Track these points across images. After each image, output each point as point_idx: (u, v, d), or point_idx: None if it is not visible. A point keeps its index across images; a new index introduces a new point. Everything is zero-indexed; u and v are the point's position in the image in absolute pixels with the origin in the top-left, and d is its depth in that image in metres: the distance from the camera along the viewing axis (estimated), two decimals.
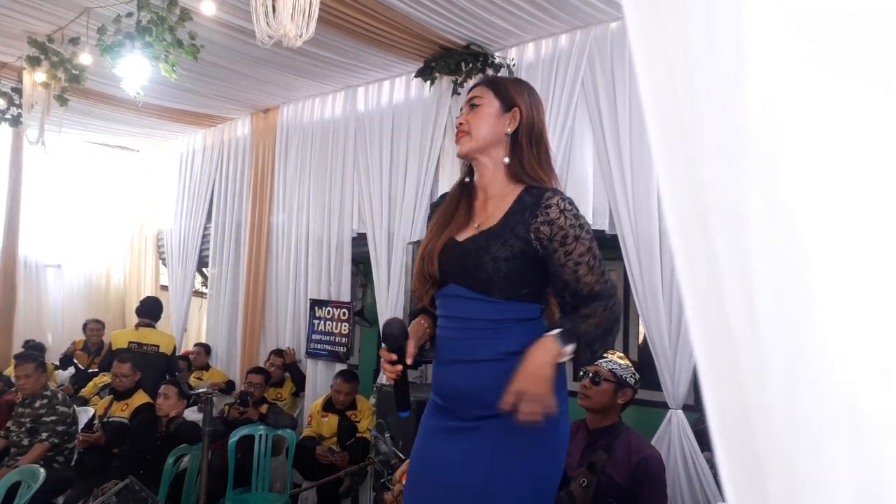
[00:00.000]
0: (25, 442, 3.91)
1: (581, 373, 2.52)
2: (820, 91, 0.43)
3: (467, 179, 1.67)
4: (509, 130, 1.57)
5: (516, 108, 1.57)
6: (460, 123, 1.61)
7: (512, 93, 1.59)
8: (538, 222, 1.48)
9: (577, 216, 1.49)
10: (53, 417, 3.97)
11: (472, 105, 1.61)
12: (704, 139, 0.48)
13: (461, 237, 1.57)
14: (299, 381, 5.05)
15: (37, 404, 4.01)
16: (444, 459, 1.52)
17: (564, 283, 1.48)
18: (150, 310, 5.30)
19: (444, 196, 1.75)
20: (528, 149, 1.57)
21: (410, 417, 1.70)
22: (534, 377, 1.36)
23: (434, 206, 1.75)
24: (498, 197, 1.58)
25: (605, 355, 2.51)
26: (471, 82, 3.98)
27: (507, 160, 1.58)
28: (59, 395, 4.15)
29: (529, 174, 1.56)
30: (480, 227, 1.56)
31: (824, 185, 0.43)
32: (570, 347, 1.40)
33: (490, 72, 3.92)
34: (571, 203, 1.51)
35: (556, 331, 1.42)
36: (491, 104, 1.59)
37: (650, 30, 0.51)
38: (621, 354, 2.56)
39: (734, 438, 0.48)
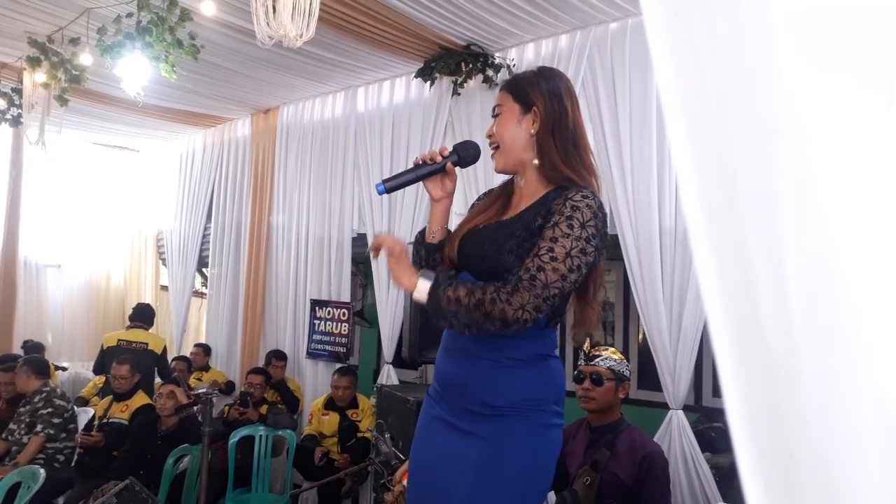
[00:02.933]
0: (25, 440, 3.92)
1: (579, 375, 2.50)
2: (848, 84, 0.43)
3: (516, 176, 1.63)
4: (534, 131, 1.50)
5: (535, 107, 1.50)
6: (489, 135, 1.57)
7: (528, 91, 1.51)
8: (549, 214, 1.42)
9: (576, 209, 1.38)
10: (49, 409, 4.00)
11: (495, 115, 1.56)
12: (734, 132, 0.47)
13: (482, 225, 1.54)
14: (289, 402, 4.81)
15: (35, 399, 4.06)
16: (437, 451, 1.53)
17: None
18: (140, 314, 5.50)
19: (491, 190, 1.72)
20: (553, 147, 1.49)
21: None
22: (396, 267, 1.45)
23: (479, 198, 1.73)
24: (530, 194, 1.53)
25: (598, 353, 2.50)
26: (471, 82, 3.98)
27: (536, 162, 1.51)
28: (58, 391, 4.20)
29: (560, 173, 1.48)
30: (501, 218, 1.54)
31: (855, 180, 0.42)
32: (424, 286, 1.39)
33: (490, 72, 3.92)
34: (584, 198, 1.40)
35: (431, 273, 1.41)
36: (511, 110, 1.53)
37: (674, 24, 0.50)
38: (613, 349, 2.56)
39: (767, 440, 0.47)
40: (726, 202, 0.48)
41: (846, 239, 0.43)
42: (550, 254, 1.34)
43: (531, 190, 1.53)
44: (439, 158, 1.56)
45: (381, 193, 1.54)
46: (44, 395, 4.06)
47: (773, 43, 0.44)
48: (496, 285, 1.35)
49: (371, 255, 1.54)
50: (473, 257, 1.48)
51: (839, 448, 0.43)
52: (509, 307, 1.31)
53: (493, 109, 1.58)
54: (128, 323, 5.60)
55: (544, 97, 1.50)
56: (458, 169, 1.61)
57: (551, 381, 1.50)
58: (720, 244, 0.49)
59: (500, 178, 1.69)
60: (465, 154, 1.58)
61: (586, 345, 2.57)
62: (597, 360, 2.47)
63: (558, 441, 1.52)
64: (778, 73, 0.44)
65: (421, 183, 1.62)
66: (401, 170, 1.63)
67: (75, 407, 4.61)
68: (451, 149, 1.59)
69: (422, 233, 1.66)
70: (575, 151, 1.50)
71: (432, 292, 1.38)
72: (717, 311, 0.49)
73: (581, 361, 2.56)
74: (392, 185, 1.54)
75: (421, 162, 1.57)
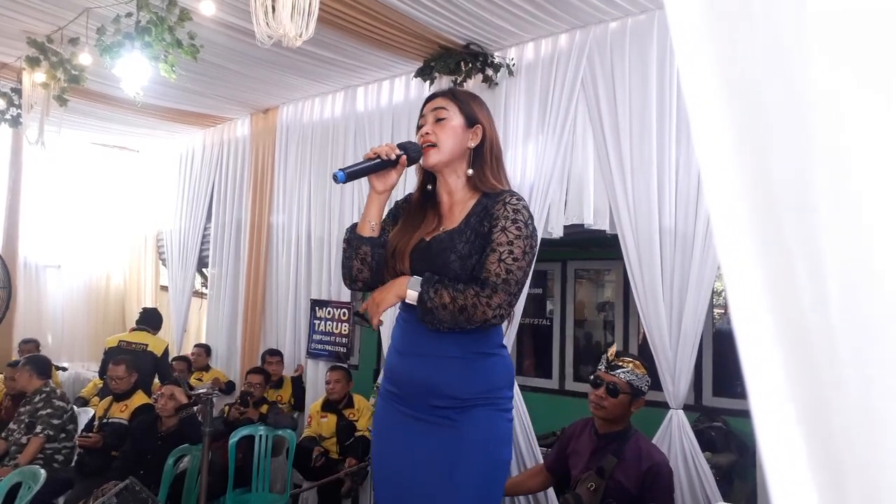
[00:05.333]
0: (24, 440, 3.93)
1: (597, 380, 2.47)
2: (883, 79, 0.42)
3: (429, 187, 1.76)
4: (471, 145, 1.69)
5: (479, 125, 1.69)
6: (427, 134, 1.68)
7: (475, 109, 1.70)
8: (490, 218, 1.59)
9: (518, 211, 1.57)
10: (49, 410, 4.01)
11: (437, 118, 1.68)
12: (771, 124, 0.46)
13: (429, 237, 1.67)
14: (300, 398, 5.00)
15: (36, 399, 4.06)
16: (406, 445, 1.63)
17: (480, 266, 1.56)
18: (146, 318, 5.51)
19: (408, 197, 1.84)
20: (490, 163, 1.69)
21: None
22: (380, 294, 1.61)
23: (398, 205, 1.84)
24: (462, 202, 1.69)
25: (621, 364, 2.46)
26: (470, 82, 3.98)
27: (470, 172, 1.69)
28: (58, 391, 4.21)
29: (488, 184, 1.68)
30: (444, 228, 1.67)
31: (892, 174, 0.42)
32: (413, 294, 1.55)
33: (489, 72, 3.91)
34: (519, 200, 1.61)
35: (419, 278, 1.56)
36: (456, 118, 1.68)
37: (709, 16, 0.49)
38: (637, 362, 2.49)
39: (815, 441, 0.46)
40: (763, 197, 0.47)
41: (884, 233, 0.42)
42: (511, 256, 1.53)
43: (461, 197, 1.71)
44: (393, 155, 1.65)
45: (339, 182, 1.61)
46: (44, 395, 4.07)
47: (806, 33, 0.44)
48: (475, 289, 1.51)
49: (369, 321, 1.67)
50: (434, 266, 1.61)
51: (883, 449, 0.42)
52: (489, 309, 1.50)
53: (434, 109, 1.70)
54: (133, 325, 5.62)
55: (487, 121, 1.72)
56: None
57: (507, 369, 1.69)
58: (758, 241, 0.48)
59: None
60: (413, 153, 1.68)
61: (611, 351, 2.54)
62: (619, 370, 2.43)
63: (511, 421, 1.70)
64: (812, 64, 0.44)
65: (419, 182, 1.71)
66: (359, 160, 1.69)
67: (75, 407, 4.62)
68: (396, 146, 1.68)
69: (353, 228, 1.73)
70: (501, 169, 1.74)
71: (420, 298, 1.54)
72: (753, 310, 0.48)
73: (602, 366, 2.50)
74: (352, 174, 1.63)
75: (374, 155, 1.65)
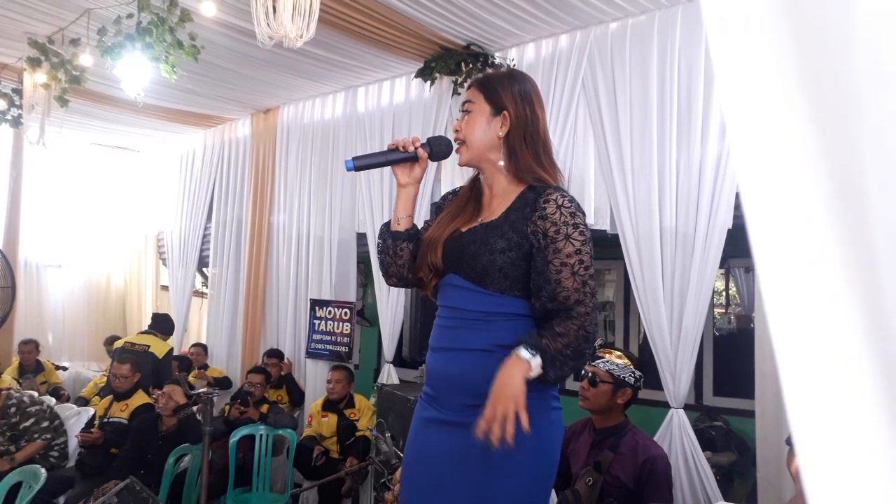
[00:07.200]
0: (12, 448, 3.91)
1: (583, 372, 2.50)
2: None
3: (482, 176, 1.68)
4: (502, 134, 1.56)
5: (506, 111, 1.55)
6: (456, 131, 1.62)
7: (501, 93, 1.56)
8: (535, 216, 1.48)
9: (574, 215, 1.47)
10: (31, 420, 3.96)
11: (465, 111, 1.61)
12: (826, 106, 0.45)
13: (465, 229, 1.59)
14: (295, 395, 5.01)
15: (10, 412, 3.96)
16: (436, 454, 1.53)
17: (545, 280, 1.46)
18: (155, 323, 5.53)
19: (456, 189, 1.76)
20: (524, 149, 1.55)
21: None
22: (502, 396, 1.36)
23: (444, 198, 1.77)
24: (502, 195, 1.59)
25: (602, 355, 2.49)
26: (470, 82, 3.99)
27: (501, 163, 1.58)
28: (25, 398, 4.08)
29: (529, 173, 1.55)
30: (482, 220, 1.58)
31: None
32: (537, 361, 1.40)
33: (490, 72, 3.92)
34: (572, 201, 1.50)
35: (521, 345, 1.41)
36: (482, 109, 1.58)
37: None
38: (620, 353, 2.53)
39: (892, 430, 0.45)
40: (821, 182, 0.45)
41: None
42: (583, 265, 1.46)
43: (502, 190, 1.59)
44: (411, 148, 1.61)
45: (349, 170, 1.59)
46: (13, 405, 3.95)
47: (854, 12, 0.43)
48: (575, 322, 1.43)
49: None
50: (464, 259, 1.53)
51: None
52: (593, 333, 1.46)
53: (463, 104, 1.63)
54: (142, 329, 5.67)
55: (515, 101, 1.56)
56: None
57: None
58: (831, 231, 0.45)
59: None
60: (438, 148, 1.63)
61: (596, 343, 2.56)
62: (598, 361, 2.46)
63: (559, 423, 1.56)
64: (860, 38, 0.42)
65: (420, 182, 1.66)
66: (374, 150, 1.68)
67: (75, 406, 4.62)
68: (423, 140, 1.63)
69: (387, 224, 1.70)
70: (545, 154, 1.58)
71: (540, 354, 1.41)
72: (829, 299, 0.45)
73: None
74: (362, 164, 1.60)
75: (394, 147, 1.62)
